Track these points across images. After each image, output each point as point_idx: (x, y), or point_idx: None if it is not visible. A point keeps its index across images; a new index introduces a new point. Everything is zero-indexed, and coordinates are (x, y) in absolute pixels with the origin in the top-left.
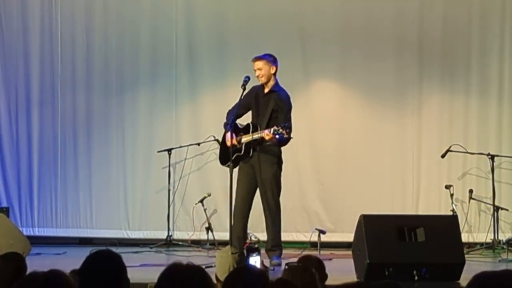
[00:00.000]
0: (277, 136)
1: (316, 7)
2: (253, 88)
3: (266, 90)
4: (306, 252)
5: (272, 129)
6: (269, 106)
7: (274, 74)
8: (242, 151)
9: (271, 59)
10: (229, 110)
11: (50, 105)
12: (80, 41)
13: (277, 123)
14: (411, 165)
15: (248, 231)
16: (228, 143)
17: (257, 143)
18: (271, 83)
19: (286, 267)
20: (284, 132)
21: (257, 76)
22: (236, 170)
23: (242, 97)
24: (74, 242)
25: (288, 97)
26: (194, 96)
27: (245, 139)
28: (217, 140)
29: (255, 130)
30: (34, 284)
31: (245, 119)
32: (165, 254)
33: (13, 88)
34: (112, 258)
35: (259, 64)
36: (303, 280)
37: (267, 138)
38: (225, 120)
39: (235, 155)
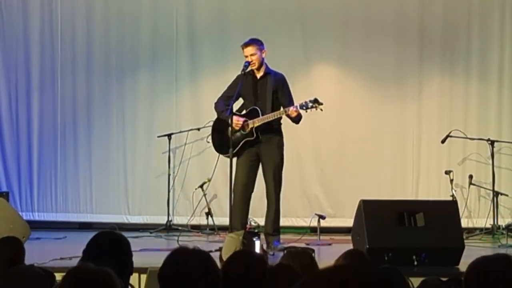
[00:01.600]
0: (305, 110)
1: None
2: (237, 78)
3: (260, 75)
4: (305, 237)
5: (299, 105)
6: (268, 89)
7: (264, 57)
8: (254, 136)
9: (260, 43)
10: (218, 102)
11: (50, 89)
12: (80, 25)
13: (287, 100)
14: (411, 150)
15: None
16: (238, 126)
17: (265, 126)
18: (263, 67)
19: (285, 251)
20: (310, 103)
21: (249, 62)
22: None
23: (230, 87)
24: (74, 226)
25: (284, 76)
26: (195, 81)
27: (257, 123)
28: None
29: (258, 114)
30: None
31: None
32: (165, 239)
33: (13, 72)
34: (121, 241)
35: (252, 49)
36: (302, 264)
37: (294, 114)
38: (217, 110)
39: (245, 140)
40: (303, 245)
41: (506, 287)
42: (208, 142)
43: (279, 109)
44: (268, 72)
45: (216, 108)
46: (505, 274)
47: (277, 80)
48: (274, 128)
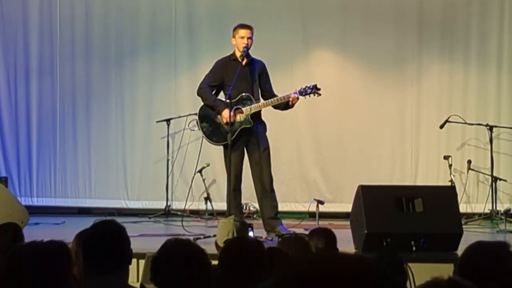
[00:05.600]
0: (304, 96)
1: None
2: (219, 62)
3: (246, 61)
4: (304, 223)
5: (298, 91)
6: (255, 75)
7: None
8: (252, 123)
9: None
10: (204, 89)
11: (49, 74)
12: (79, 10)
13: (268, 87)
14: (410, 135)
15: (246, 201)
16: (231, 119)
17: (255, 113)
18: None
19: (280, 238)
20: (309, 89)
21: (245, 45)
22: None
23: (213, 74)
24: (73, 212)
25: (264, 63)
26: (193, 66)
27: (256, 108)
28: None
29: (251, 100)
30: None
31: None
32: (163, 224)
33: (12, 57)
34: (117, 229)
35: (250, 32)
36: (297, 249)
37: (295, 101)
38: (206, 97)
39: (241, 127)
40: (301, 230)
41: (499, 271)
42: (192, 130)
43: (263, 95)
44: (252, 59)
45: (203, 95)
46: (499, 259)
47: (260, 67)
48: (260, 114)
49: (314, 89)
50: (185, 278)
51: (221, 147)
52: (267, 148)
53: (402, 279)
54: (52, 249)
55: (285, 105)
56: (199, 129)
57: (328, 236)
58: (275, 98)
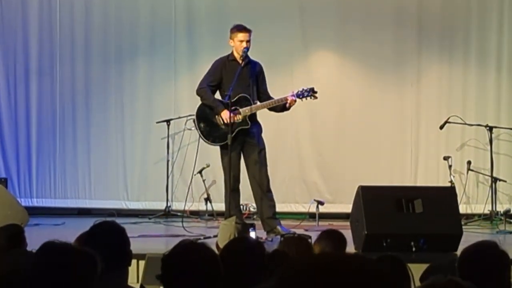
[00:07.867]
0: (301, 98)
1: None
2: (217, 62)
3: (244, 62)
4: (304, 223)
5: (295, 93)
6: (252, 76)
7: None
8: (249, 124)
9: None
10: (204, 89)
11: (48, 75)
12: (79, 10)
13: (265, 89)
14: (410, 136)
15: (246, 202)
16: (231, 120)
17: (251, 114)
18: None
19: (282, 238)
20: (306, 92)
21: (244, 48)
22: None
23: (212, 73)
24: (72, 212)
25: (261, 65)
26: (193, 67)
27: (252, 110)
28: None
29: (248, 101)
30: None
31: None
32: (163, 224)
33: (12, 57)
34: (116, 230)
35: (249, 36)
36: (298, 250)
37: (293, 103)
38: (206, 97)
39: (239, 128)
40: (301, 231)
41: (495, 271)
42: (189, 129)
43: (259, 96)
44: (250, 60)
45: (203, 94)
46: (494, 261)
47: (258, 68)
48: (256, 115)
49: (311, 92)
50: (193, 281)
51: (218, 148)
52: (263, 148)
53: (405, 281)
54: (83, 253)
55: (282, 107)
56: (196, 129)
57: (338, 241)
58: (272, 100)
